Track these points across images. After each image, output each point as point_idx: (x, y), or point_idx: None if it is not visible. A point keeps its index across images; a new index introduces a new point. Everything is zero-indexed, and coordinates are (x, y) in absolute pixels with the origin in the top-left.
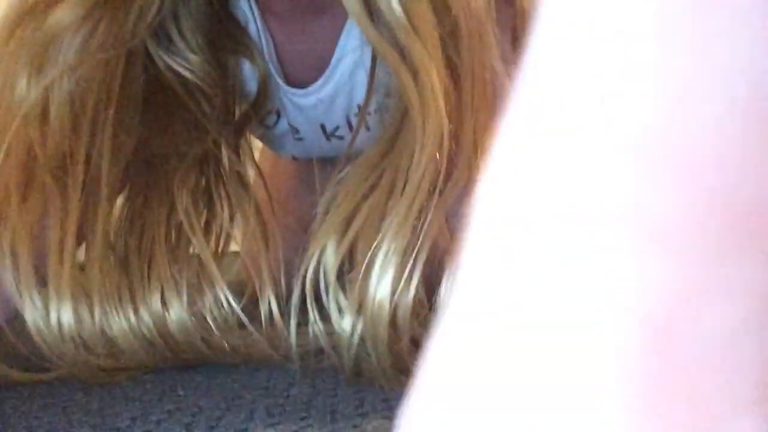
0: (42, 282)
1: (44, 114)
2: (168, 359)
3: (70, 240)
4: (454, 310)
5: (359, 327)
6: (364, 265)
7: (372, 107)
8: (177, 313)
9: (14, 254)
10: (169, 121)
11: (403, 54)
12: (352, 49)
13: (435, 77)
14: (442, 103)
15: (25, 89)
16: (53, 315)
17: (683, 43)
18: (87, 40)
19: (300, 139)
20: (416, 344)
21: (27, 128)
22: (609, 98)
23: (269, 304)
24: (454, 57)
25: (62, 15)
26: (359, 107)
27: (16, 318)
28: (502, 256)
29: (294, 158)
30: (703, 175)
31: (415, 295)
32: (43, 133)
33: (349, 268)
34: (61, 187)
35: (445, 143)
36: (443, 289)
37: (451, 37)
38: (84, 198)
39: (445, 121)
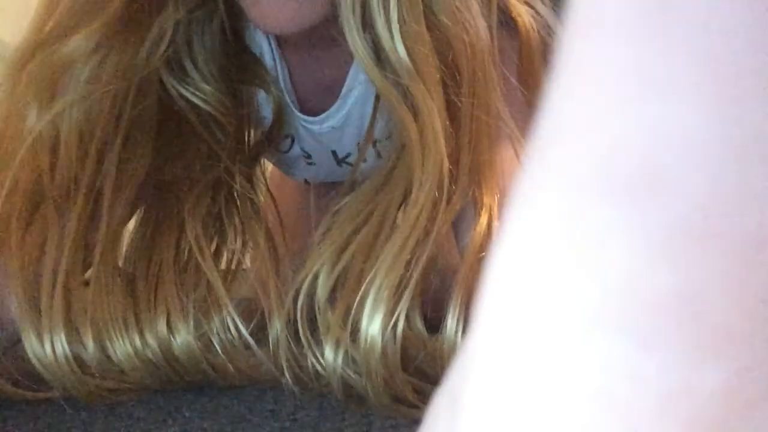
0: (39, 309)
1: (53, 143)
2: (173, 381)
3: (65, 267)
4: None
5: (341, 357)
6: (357, 299)
7: (384, 135)
8: (183, 337)
9: (13, 282)
10: (182, 148)
11: (404, 94)
12: (362, 80)
13: (436, 118)
14: (442, 142)
15: (36, 119)
16: (47, 342)
17: None
18: (98, 70)
19: (312, 163)
20: (415, 373)
21: (36, 157)
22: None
23: (277, 327)
24: (455, 98)
25: (74, 46)
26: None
27: (18, 342)
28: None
29: (305, 181)
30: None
31: (408, 328)
32: (52, 162)
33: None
34: (62, 214)
35: (445, 183)
36: (448, 318)
37: (452, 79)
38: (87, 224)
39: (445, 161)
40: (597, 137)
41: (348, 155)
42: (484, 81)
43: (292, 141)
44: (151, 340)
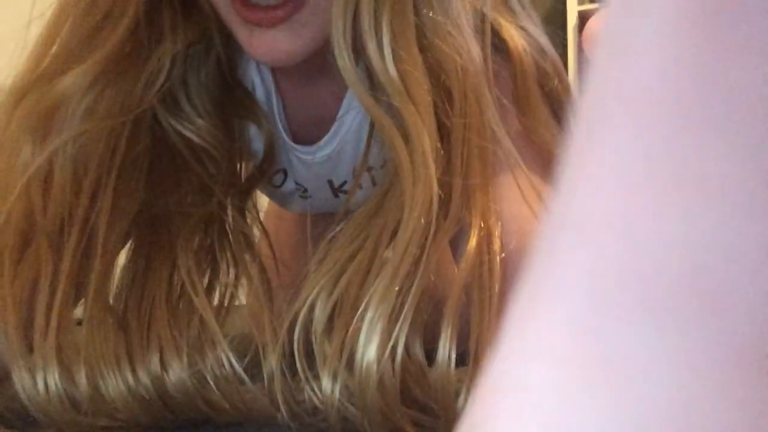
0: (30, 346)
1: (47, 179)
2: (167, 419)
3: (59, 304)
4: None
5: (338, 388)
6: (351, 329)
7: (379, 162)
8: (176, 374)
9: (3, 319)
10: (175, 182)
11: (395, 117)
12: (356, 108)
13: (426, 140)
14: (432, 165)
15: (30, 155)
16: (39, 379)
17: None
18: (93, 107)
19: (307, 197)
20: (414, 405)
21: (29, 193)
22: None
23: (271, 362)
24: (446, 121)
25: (70, 82)
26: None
27: (7, 378)
28: None
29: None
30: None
31: (407, 357)
32: (45, 197)
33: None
34: (55, 250)
35: (434, 207)
36: (440, 348)
37: (444, 102)
38: (80, 260)
39: (435, 185)
40: (625, 240)
41: (344, 183)
42: (477, 104)
43: (285, 176)
44: (144, 378)
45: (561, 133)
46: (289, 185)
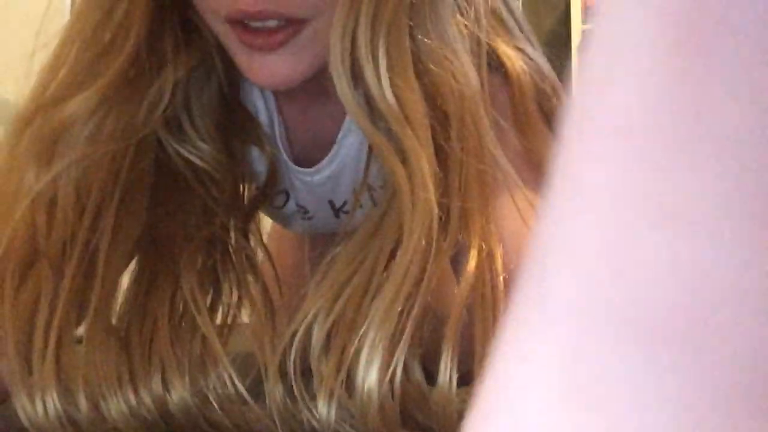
0: (31, 368)
1: (50, 202)
2: None
3: (57, 324)
4: None
5: (334, 411)
6: (352, 352)
7: (380, 182)
8: (179, 393)
9: (4, 339)
10: (178, 204)
11: (394, 141)
12: (356, 129)
13: (425, 164)
14: (431, 188)
15: (34, 179)
16: (38, 401)
17: None
18: (96, 131)
19: (309, 218)
20: (416, 428)
21: (33, 216)
22: None
23: (272, 382)
24: (444, 144)
25: (75, 107)
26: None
27: (7, 399)
28: None
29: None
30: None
31: (406, 380)
32: (48, 219)
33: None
34: (56, 271)
35: (434, 229)
36: (441, 370)
37: (441, 126)
38: (81, 281)
39: (434, 207)
40: (611, 270)
41: (345, 204)
42: (475, 127)
43: (287, 197)
44: (145, 397)
45: None
46: (291, 206)
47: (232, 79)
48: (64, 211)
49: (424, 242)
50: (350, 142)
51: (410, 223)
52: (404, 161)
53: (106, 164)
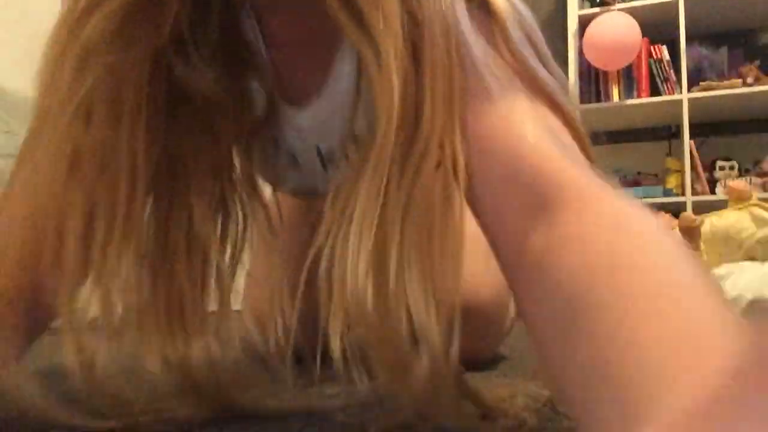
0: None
1: (88, 114)
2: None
3: (117, 239)
4: None
5: (341, 319)
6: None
7: (362, 131)
8: (203, 353)
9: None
10: (186, 128)
11: (363, 28)
12: (346, 74)
13: (391, 48)
14: (394, 70)
15: (68, 90)
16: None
17: None
18: (121, 39)
19: (299, 168)
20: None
21: (72, 128)
22: None
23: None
24: (418, 42)
25: (98, 20)
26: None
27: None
28: None
29: (294, 196)
30: None
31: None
32: (88, 132)
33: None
34: (108, 183)
35: (406, 121)
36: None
37: (414, 24)
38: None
39: (397, 93)
40: None
41: (332, 153)
42: (446, 30)
43: (277, 146)
44: (172, 356)
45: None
46: (282, 158)
47: (232, 15)
48: (100, 123)
49: (393, 132)
50: (341, 86)
51: (379, 113)
52: (371, 44)
53: (132, 76)
